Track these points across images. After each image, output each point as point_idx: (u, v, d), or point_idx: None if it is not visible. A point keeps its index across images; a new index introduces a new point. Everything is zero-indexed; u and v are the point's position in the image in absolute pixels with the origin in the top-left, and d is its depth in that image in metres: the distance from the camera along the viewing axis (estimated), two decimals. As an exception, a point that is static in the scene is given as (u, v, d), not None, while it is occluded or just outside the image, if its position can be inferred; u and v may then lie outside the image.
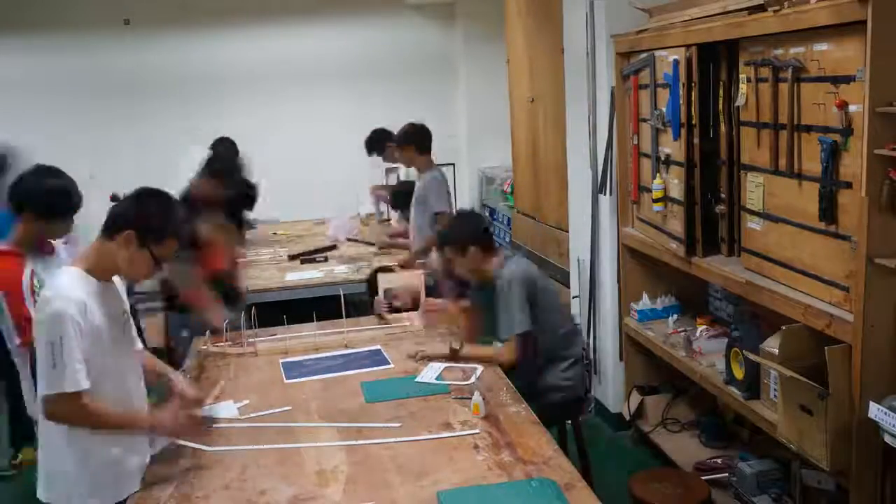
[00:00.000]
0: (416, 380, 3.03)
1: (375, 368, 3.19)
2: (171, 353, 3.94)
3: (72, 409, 2.17)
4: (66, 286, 2.20)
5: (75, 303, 2.16)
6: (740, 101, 2.98)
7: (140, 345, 2.58)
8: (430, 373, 3.08)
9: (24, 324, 2.96)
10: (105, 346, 2.25)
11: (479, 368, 3.11)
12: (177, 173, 4.46)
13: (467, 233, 3.33)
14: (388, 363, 3.24)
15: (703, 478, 3.46)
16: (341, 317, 3.62)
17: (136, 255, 2.26)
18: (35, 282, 3.03)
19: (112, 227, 2.27)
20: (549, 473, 2.28)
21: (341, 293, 3.68)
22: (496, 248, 3.41)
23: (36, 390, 2.23)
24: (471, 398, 2.73)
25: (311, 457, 2.47)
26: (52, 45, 6.98)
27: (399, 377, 3.09)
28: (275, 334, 3.65)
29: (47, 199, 2.99)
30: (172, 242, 2.32)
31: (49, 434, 2.25)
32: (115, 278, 2.40)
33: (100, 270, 2.28)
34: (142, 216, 2.27)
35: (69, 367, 2.12)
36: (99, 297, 2.26)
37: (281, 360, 3.33)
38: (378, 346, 3.43)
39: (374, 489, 2.24)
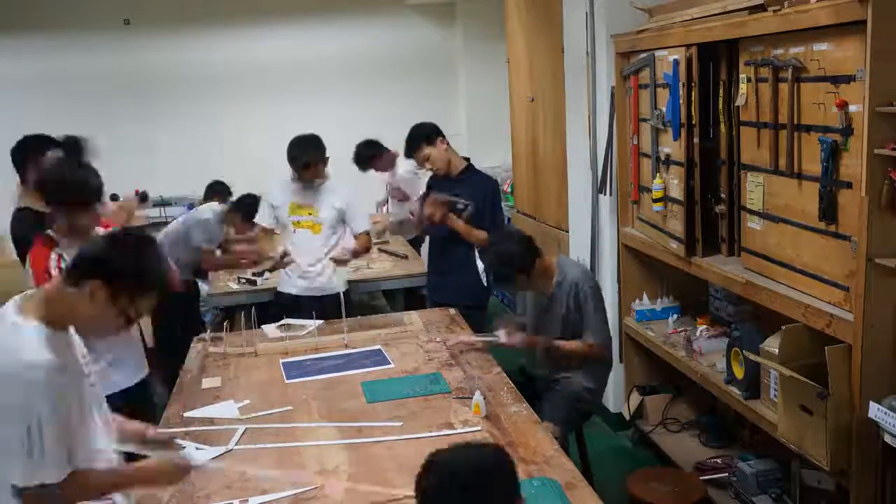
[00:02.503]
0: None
1: (376, 368, 3.20)
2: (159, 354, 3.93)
3: (56, 497, 1.80)
4: (32, 348, 1.77)
5: (48, 367, 1.76)
6: (740, 101, 2.98)
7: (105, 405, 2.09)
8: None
9: None
10: (71, 409, 1.85)
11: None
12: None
13: (518, 257, 3.24)
14: (389, 363, 3.24)
15: (703, 478, 3.47)
16: (341, 317, 3.62)
17: (103, 309, 1.83)
18: (63, 266, 2.83)
19: (77, 271, 1.84)
20: (550, 473, 2.28)
21: (341, 293, 3.68)
22: (542, 254, 3.35)
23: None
24: (472, 398, 2.74)
25: (313, 456, 2.48)
26: (53, 45, 6.97)
27: (399, 377, 3.10)
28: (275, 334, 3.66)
29: (63, 189, 2.88)
30: (150, 298, 1.90)
31: None
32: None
33: (56, 319, 1.85)
34: (114, 266, 1.84)
35: (50, 454, 1.75)
36: (61, 355, 1.83)
37: (281, 360, 3.33)
38: (379, 346, 3.43)
39: (374, 490, 2.24)
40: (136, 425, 2.19)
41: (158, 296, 1.92)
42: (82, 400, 1.91)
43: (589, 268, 4.32)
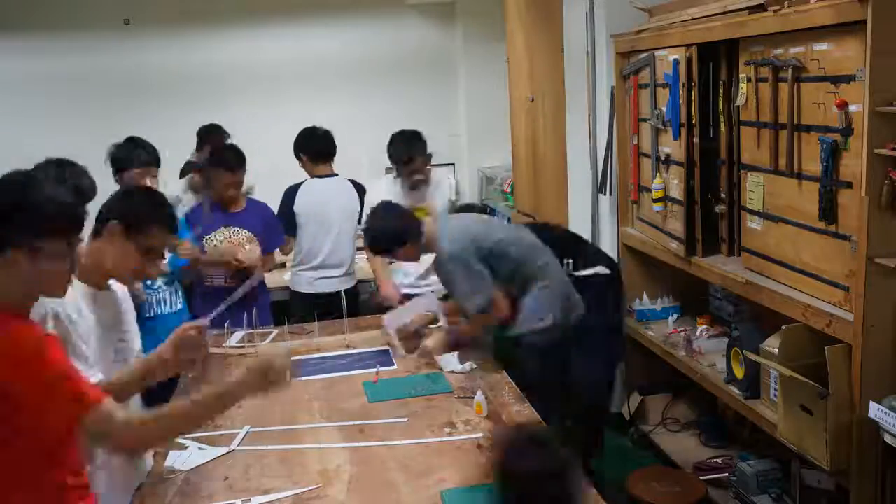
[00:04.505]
0: (447, 370, 3.10)
1: (379, 369, 3.19)
2: None
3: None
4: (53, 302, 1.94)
5: (68, 313, 1.98)
6: (740, 101, 2.98)
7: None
8: (453, 362, 3.11)
9: None
10: (89, 359, 2.02)
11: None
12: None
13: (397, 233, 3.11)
14: (393, 364, 3.25)
15: (703, 478, 3.48)
16: (342, 316, 3.62)
17: (123, 247, 2.12)
18: None
19: (98, 223, 2.15)
20: (550, 473, 2.28)
21: (342, 292, 3.68)
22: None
23: None
24: (473, 397, 2.74)
25: (314, 456, 2.48)
26: (52, 45, 6.96)
27: (401, 377, 3.10)
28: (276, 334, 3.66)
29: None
30: (161, 232, 2.18)
31: None
32: (120, 293, 2.27)
33: (92, 273, 2.13)
34: (125, 206, 2.17)
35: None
36: (90, 303, 2.10)
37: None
38: (387, 347, 3.43)
39: (378, 489, 2.25)
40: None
41: (169, 231, 2.21)
42: (103, 354, 2.10)
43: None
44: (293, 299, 4.36)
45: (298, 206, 4.27)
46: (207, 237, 3.69)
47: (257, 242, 3.83)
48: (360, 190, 4.39)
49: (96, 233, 2.15)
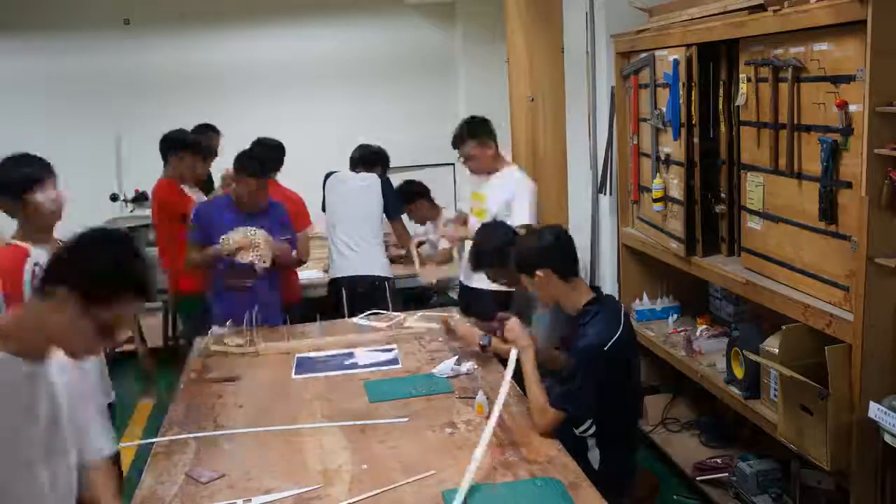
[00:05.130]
0: (433, 372, 3.08)
1: (382, 368, 3.21)
2: (172, 352, 3.92)
3: None
4: None
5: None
6: (740, 101, 2.98)
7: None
8: (445, 368, 3.08)
9: None
10: (9, 458, 1.63)
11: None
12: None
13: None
14: (398, 363, 3.25)
15: (703, 478, 3.48)
16: (343, 316, 3.62)
17: (76, 322, 1.61)
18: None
19: (45, 280, 1.64)
20: (553, 473, 2.29)
21: (343, 293, 3.67)
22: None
23: None
24: (474, 397, 2.74)
25: (316, 456, 2.48)
26: (52, 46, 6.96)
27: (402, 377, 3.10)
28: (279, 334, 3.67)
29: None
30: (129, 302, 1.67)
31: None
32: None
33: (29, 344, 1.65)
34: (85, 270, 1.62)
35: None
36: (18, 390, 1.65)
37: (297, 356, 3.37)
38: (394, 346, 3.44)
39: (379, 488, 2.25)
40: None
41: (142, 299, 1.68)
42: (16, 445, 1.65)
43: (589, 270, 4.32)
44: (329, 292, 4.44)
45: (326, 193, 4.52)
46: (224, 237, 3.71)
47: (271, 241, 3.79)
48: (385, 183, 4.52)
49: (39, 291, 1.66)
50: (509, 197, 3.90)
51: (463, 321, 3.47)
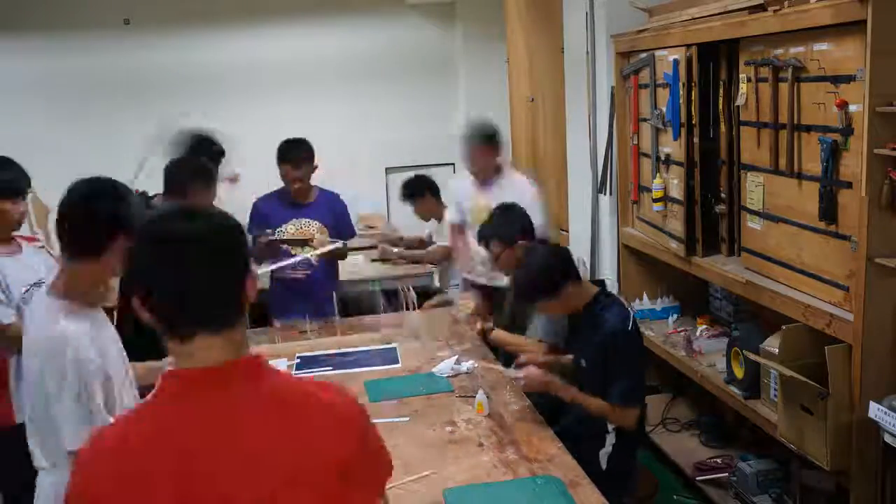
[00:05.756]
0: (433, 371, 3.08)
1: (383, 367, 3.21)
2: None
3: None
4: (65, 325, 1.92)
5: (83, 339, 1.92)
6: (740, 101, 2.98)
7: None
8: (445, 367, 3.09)
9: None
10: (108, 387, 2.00)
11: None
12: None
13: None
14: (398, 362, 3.26)
15: (703, 478, 3.48)
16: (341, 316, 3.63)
17: (121, 250, 1.94)
18: None
19: (96, 242, 1.96)
20: (553, 471, 2.29)
21: (335, 294, 3.67)
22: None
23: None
24: (474, 396, 2.74)
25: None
26: (52, 45, 6.96)
27: (402, 376, 3.11)
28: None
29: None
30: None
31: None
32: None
33: (85, 295, 2.00)
34: (128, 212, 1.98)
35: (100, 416, 1.92)
36: (93, 328, 2.00)
37: (298, 354, 3.38)
38: (394, 345, 3.45)
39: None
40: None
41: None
42: (119, 370, 2.04)
43: (589, 270, 4.32)
44: None
45: None
46: (278, 229, 3.77)
47: (327, 232, 3.87)
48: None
49: (95, 251, 1.97)
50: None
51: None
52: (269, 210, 3.91)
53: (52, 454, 1.98)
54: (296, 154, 3.85)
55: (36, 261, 2.92)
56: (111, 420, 1.91)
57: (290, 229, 3.80)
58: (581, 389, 2.70)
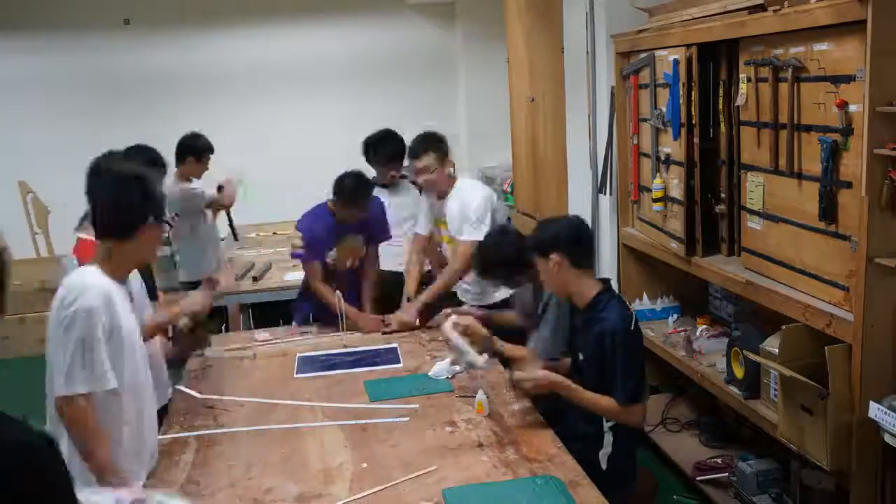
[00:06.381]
0: (429, 374, 3.06)
1: (383, 367, 3.22)
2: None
3: (80, 414, 2.08)
4: (92, 280, 2.14)
5: (103, 297, 2.12)
6: (740, 101, 2.99)
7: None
8: (441, 369, 3.08)
9: None
10: (121, 347, 2.18)
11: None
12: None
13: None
14: (399, 362, 3.26)
15: (703, 478, 3.48)
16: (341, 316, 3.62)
17: (153, 235, 2.30)
18: None
19: (128, 226, 2.21)
20: (553, 471, 2.29)
21: (339, 294, 3.66)
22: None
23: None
24: (474, 396, 2.74)
25: (317, 455, 2.48)
26: (52, 45, 6.97)
27: (402, 376, 3.11)
28: (275, 335, 3.67)
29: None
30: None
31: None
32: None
33: (115, 270, 2.23)
34: (154, 198, 2.29)
35: (96, 366, 2.08)
36: (119, 295, 2.21)
37: (298, 355, 3.39)
38: (395, 344, 3.46)
39: (380, 487, 2.25)
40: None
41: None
42: (131, 343, 2.21)
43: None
44: None
45: None
46: (329, 252, 3.72)
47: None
48: None
49: (126, 235, 2.22)
50: (459, 206, 3.67)
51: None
52: (319, 230, 3.71)
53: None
54: (355, 195, 3.63)
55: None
56: (111, 378, 2.10)
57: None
58: (574, 382, 2.68)
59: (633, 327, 2.64)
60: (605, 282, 2.79)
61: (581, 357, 2.73)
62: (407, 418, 2.70)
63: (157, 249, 2.43)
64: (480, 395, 2.72)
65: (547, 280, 2.77)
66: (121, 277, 2.26)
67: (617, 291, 4.16)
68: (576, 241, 2.73)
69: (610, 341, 2.58)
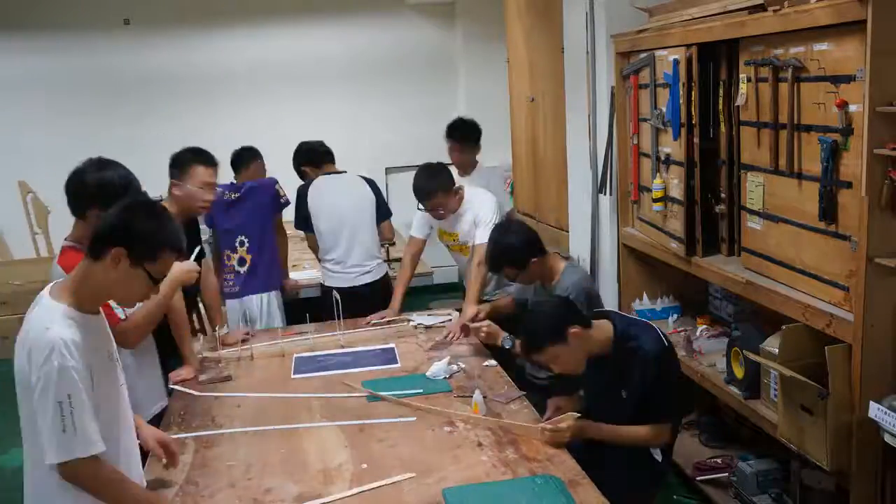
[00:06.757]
0: (427, 374, 3.07)
1: (382, 367, 3.22)
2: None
3: (92, 474, 1.92)
4: (57, 332, 1.88)
5: (70, 347, 1.87)
6: (740, 101, 2.98)
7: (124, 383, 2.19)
8: (439, 370, 3.08)
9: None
10: (91, 389, 1.93)
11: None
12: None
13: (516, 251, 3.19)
14: (396, 362, 3.26)
15: (703, 478, 3.48)
16: (339, 317, 3.62)
17: (130, 274, 1.97)
18: None
19: (98, 245, 1.96)
20: (552, 470, 2.29)
21: (335, 294, 3.66)
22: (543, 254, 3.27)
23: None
24: (472, 397, 2.74)
25: (316, 455, 2.48)
26: (52, 45, 6.97)
27: (400, 376, 3.11)
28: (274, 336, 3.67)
29: (109, 191, 2.58)
30: (170, 256, 2.04)
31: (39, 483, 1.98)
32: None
33: (87, 300, 1.99)
34: (131, 229, 1.97)
35: (82, 428, 1.87)
36: (87, 335, 1.95)
37: (295, 355, 3.39)
38: (392, 345, 3.46)
39: (379, 487, 2.25)
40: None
41: (180, 255, 2.10)
42: (101, 382, 1.98)
43: (589, 270, 4.32)
44: (323, 294, 4.36)
45: (310, 205, 4.33)
46: None
47: None
48: (372, 184, 4.44)
49: (93, 254, 1.97)
50: (472, 216, 3.81)
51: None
52: None
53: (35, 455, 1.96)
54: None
55: None
56: (95, 437, 1.89)
57: None
58: (620, 422, 2.62)
59: (668, 343, 2.67)
60: (609, 314, 2.78)
61: (624, 394, 2.63)
62: (406, 418, 2.70)
63: (140, 294, 2.07)
64: (477, 396, 2.72)
65: (573, 358, 2.61)
66: (91, 309, 2.03)
67: (617, 292, 4.21)
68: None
69: (655, 366, 2.56)
